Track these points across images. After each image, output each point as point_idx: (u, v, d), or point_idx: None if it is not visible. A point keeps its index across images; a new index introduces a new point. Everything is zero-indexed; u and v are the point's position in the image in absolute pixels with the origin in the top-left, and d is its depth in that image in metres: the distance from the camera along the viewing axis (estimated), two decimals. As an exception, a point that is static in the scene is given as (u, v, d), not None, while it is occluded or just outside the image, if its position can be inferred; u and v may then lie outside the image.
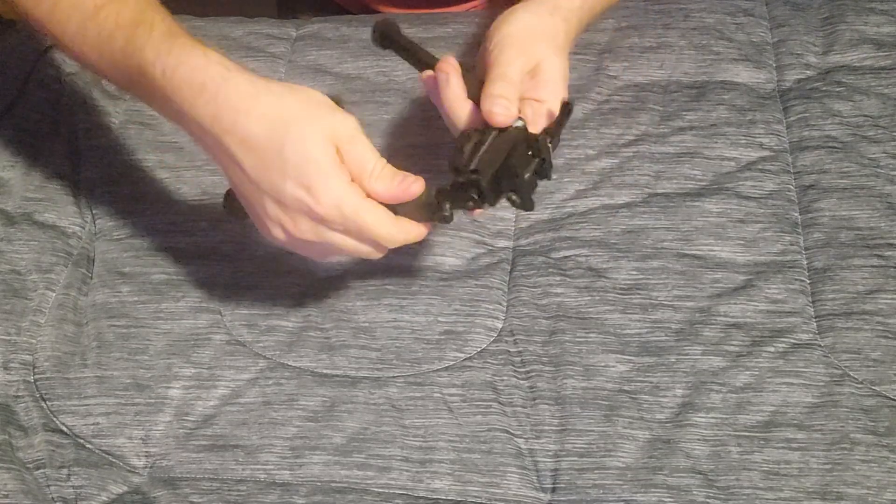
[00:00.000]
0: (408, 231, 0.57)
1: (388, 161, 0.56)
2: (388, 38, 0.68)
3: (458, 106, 0.61)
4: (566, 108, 0.59)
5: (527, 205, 0.57)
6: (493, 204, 0.57)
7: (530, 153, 0.56)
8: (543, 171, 0.57)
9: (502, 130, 0.59)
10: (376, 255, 0.58)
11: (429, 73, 0.63)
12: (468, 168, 0.56)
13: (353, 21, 0.88)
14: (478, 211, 0.60)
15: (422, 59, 0.65)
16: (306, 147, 0.53)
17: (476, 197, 0.56)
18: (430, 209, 0.57)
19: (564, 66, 0.63)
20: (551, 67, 0.62)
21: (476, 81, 0.61)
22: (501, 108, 0.58)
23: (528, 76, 0.61)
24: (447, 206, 0.56)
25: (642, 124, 0.76)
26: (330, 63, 0.84)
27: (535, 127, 0.60)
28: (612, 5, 0.74)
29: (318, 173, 0.53)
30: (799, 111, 0.76)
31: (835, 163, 0.72)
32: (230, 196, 0.61)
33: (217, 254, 0.73)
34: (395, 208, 0.56)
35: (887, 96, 0.75)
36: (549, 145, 0.57)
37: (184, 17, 0.88)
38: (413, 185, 0.56)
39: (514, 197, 0.56)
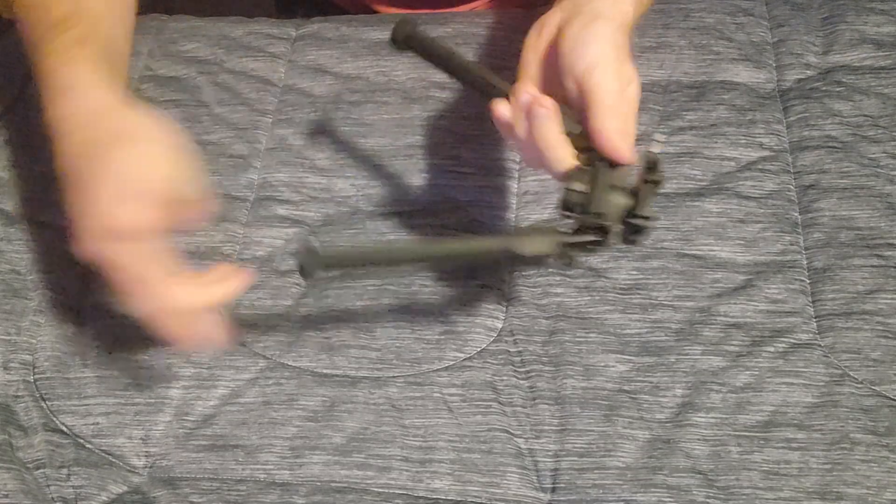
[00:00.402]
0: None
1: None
2: (414, 40, 0.62)
3: (559, 144, 0.53)
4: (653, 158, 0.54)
5: (639, 239, 0.52)
6: (616, 244, 0.52)
7: (649, 183, 0.51)
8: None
9: (612, 165, 0.53)
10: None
11: (503, 105, 0.56)
12: (590, 210, 0.51)
13: (353, 21, 0.88)
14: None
15: (472, 75, 0.59)
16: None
17: (600, 241, 0.51)
18: (555, 255, 0.52)
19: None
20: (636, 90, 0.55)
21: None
22: (628, 145, 0.52)
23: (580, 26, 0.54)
24: (573, 255, 0.52)
25: (642, 124, 0.76)
26: (330, 63, 0.84)
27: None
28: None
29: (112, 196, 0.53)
30: (799, 111, 0.76)
31: (835, 163, 0.72)
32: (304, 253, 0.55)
33: (217, 254, 0.73)
34: (520, 251, 0.52)
35: (887, 96, 0.75)
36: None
37: (184, 17, 0.89)
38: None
39: (633, 236, 0.52)
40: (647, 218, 0.51)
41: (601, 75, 0.52)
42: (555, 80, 0.56)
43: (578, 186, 0.52)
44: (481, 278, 0.69)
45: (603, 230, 0.51)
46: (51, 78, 0.57)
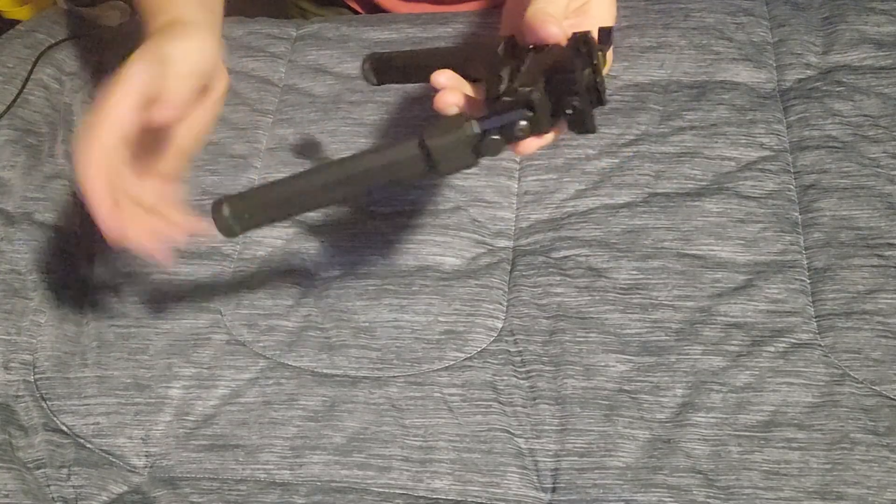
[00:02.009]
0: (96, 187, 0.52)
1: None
2: (383, 68, 0.60)
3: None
4: (607, 34, 0.50)
5: (588, 124, 0.47)
6: (549, 127, 0.47)
7: (582, 55, 0.47)
8: (597, 87, 0.47)
9: (539, 50, 0.49)
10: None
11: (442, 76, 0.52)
12: (513, 87, 0.46)
13: (353, 21, 0.88)
14: (528, 144, 0.48)
15: (447, 58, 0.55)
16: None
17: (528, 118, 0.45)
18: (471, 142, 0.46)
19: (612, 4, 0.56)
20: (599, 4, 0.55)
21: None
22: (553, 20, 0.49)
23: (574, 14, 0.54)
24: (502, 141, 0.46)
25: (642, 124, 0.76)
26: (330, 63, 0.84)
27: None
28: None
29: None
30: (799, 111, 0.76)
31: (835, 163, 0.72)
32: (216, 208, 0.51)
33: (217, 254, 0.73)
34: (434, 144, 0.46)
35: (887, 96, 0.75)
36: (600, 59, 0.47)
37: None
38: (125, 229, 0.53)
39: (573, 112, 0.46)
40: (577, 81, 0.45)
41: None
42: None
43: (504, 71, 0.48)
44: (481, 278, 0.69)
45: (529, 103, 0.46)
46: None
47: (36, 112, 0.81)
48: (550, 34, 0.49)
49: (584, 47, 0.47)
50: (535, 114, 0.46)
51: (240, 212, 0.49)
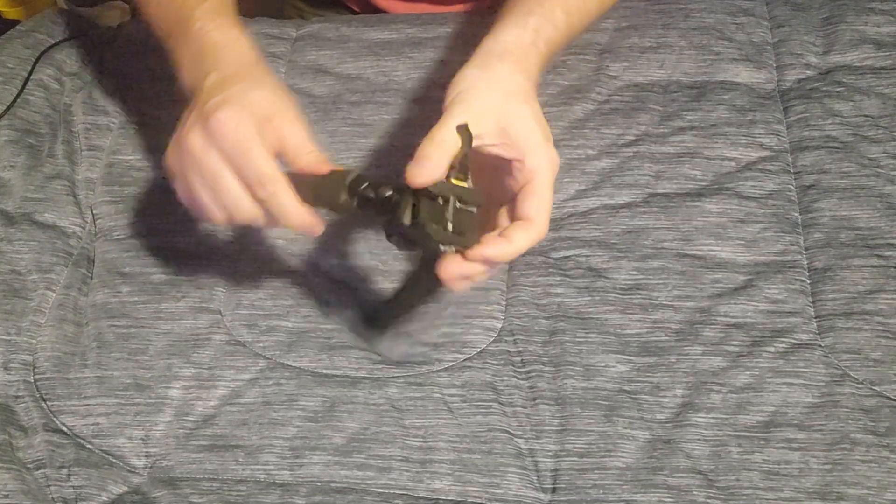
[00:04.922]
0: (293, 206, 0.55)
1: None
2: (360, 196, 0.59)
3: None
4: (465, 133, 0.54)
5: (394, 241, 0.54)
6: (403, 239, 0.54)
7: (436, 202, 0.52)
8: (460, 200, 0.53)
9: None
10: (244, 212, 0.56)
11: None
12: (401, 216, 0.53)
13: (353, 21, 0.88)
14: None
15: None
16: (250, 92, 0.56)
17: (391, 218, 0.53)
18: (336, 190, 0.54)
19: (531, 114, 0.56)
20: (518, 120, 0.56)
21: None
22: (430, 163, 0.53)
23: (500, 135, 0.55)
24: (354, 198, 0.54)
25: (642, 124, 0.76)
26: (330, 63, 0.84)
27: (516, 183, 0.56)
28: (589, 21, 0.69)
29: (239, 93, 0.55)
30: (799, 111, 0.76)
31: (835, 163, 0.72)
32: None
33: (217, 254, 0.73)
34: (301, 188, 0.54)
35: (887, 96, 0.75)
36: (454, 179, 0.53)
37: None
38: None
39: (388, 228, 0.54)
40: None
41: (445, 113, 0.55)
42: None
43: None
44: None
45: (396, 211, 0.53)
46: (201, 37, 0.62)
47: (36, 112, 0.81)
48: (414, 178, 0.52)
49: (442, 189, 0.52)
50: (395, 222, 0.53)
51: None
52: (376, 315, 0.66)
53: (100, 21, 0.94)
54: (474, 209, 0.53)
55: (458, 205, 0.52)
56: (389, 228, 0.54)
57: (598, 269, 0.68)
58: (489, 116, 0.55)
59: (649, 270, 0.68)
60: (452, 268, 0.52)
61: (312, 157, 0.56)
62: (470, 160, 0.54)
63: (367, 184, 0.55)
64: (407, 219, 0.52)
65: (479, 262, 0.52)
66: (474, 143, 0.54)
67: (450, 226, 0.52)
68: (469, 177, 0.53)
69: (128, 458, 0.64)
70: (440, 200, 0.52)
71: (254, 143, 0.54)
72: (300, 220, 0.56)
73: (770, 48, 0.81)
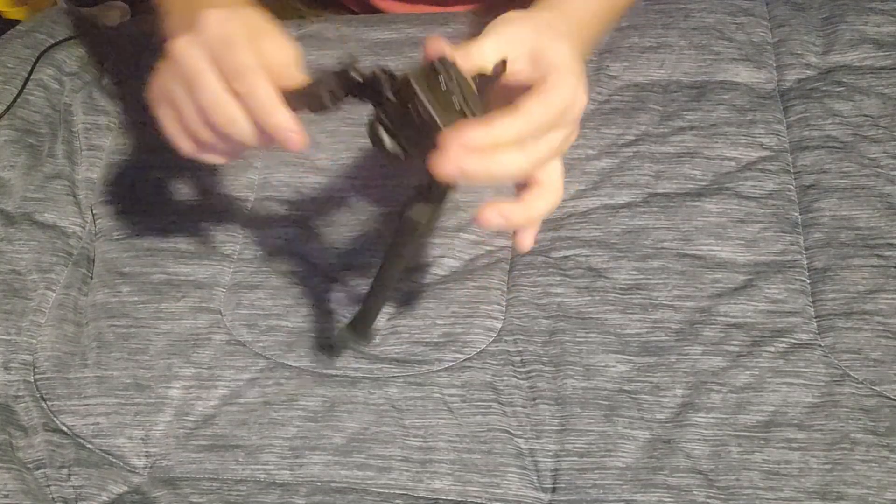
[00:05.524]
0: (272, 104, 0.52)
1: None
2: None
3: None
4: (500, 66, 0.52)
5: (373, 141, 0.51)
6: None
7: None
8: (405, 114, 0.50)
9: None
10: (223, 112, 0.52)
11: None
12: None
13: (353, 21, 0.88)
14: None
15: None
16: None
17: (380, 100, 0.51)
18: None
19: (569, 51, 0.53)
20: (553, 54, 0.53)
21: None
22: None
23: (530, 61, 0.53)
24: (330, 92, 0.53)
25: (642, 124, 0.76)
26: (330, 63, 0.84)
27: None
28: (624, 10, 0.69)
29: (231, 7, 0.53)
30: (799, 111, 0.76)
31: (835, 163, 0.72)
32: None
33: (217, 254, 0.73)
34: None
35: (887, 96, 0.75)
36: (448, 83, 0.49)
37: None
38: None
39: (370, 126, 0.51)
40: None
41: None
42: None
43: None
44: (480, 279, 0.69)
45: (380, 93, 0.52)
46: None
47: (36, 112, 0.81)
48: (429, 52, 0.51)
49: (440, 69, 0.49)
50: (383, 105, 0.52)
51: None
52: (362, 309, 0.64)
53: (100, 21, 0.94)
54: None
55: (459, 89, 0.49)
56: (377, 113, 0.51)
57: (598, 268, 0.68)
58: (523, 44, 0.53)
59: (649, 270, 0.68)
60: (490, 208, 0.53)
61: (297, 77, 0.54)
62: (492, 90, 0.52)
63: (355, 70, 0.52)
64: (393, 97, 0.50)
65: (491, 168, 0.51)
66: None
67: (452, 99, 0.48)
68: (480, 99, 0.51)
69: (128, 458, 0.64)
70: (441, 80, 0.48)
71: (238, 37, 0.52)
72: (279, 119, 0.52)
73: (770, 48, 0.81)
